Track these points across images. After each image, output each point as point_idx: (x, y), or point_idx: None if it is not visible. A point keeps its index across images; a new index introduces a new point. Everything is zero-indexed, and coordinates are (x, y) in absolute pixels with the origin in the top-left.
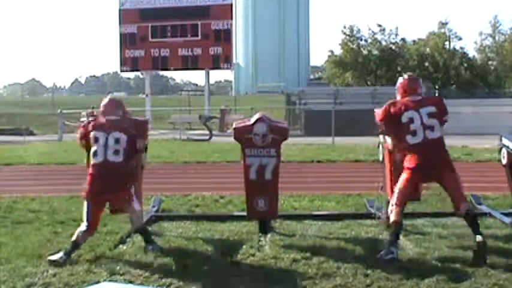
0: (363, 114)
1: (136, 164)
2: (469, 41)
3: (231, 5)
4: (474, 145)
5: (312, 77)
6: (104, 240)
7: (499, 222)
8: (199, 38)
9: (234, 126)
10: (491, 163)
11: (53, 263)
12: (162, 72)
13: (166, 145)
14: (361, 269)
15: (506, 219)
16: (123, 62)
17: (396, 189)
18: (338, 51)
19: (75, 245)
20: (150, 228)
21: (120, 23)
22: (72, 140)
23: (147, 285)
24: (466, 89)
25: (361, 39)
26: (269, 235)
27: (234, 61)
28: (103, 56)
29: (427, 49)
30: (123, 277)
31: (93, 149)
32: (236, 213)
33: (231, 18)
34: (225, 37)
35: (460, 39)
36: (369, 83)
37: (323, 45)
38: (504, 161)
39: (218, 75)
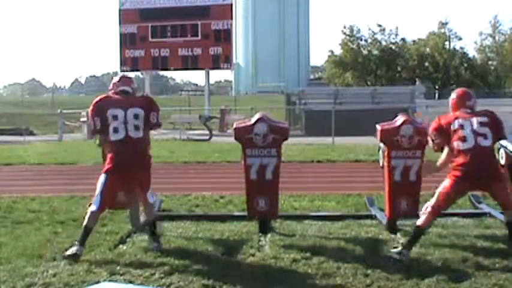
0: (363, 114)
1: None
2: (469, 41)
3: (231, 5)
4: None
5: (312, 77)
6: (104, 240)
7: (499, 222)
8: (199, 38)
9: (234, 126)
10: None
11: (72, 257)
12: (162, 72)
13: (166, 145)
14: (361, 269)
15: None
16: (123, 62)
17: (438, 196)
18: (338, 51)
19: (87, 230)
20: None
21: (120, 23)
22: (72, 140)
23: (147, 285)
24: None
25: (361, 39)
26: (269, 235)
27: (234, 61)
28: (103, 56)
29: (427, 49)
30: (123, 277)
31: (112, 125)
32: (236, 213)
33: (231, 18)
34: (225, 37)
35: (460, 39)
36: (368, 83)
37: (323, 45)
38: (503, 162)
39: (218, 75)
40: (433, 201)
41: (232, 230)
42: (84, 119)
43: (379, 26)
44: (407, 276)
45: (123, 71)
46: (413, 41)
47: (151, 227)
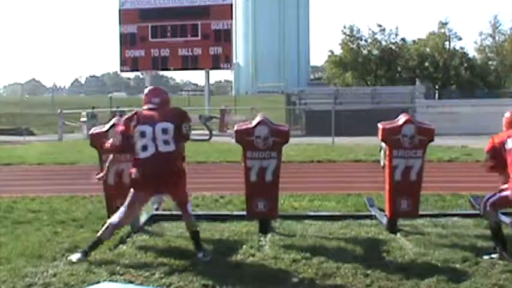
0: (363, 114)
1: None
2: (469, 41)
3: (231, 5)
4: (474, 145)
5: (312, 77)
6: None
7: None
8: (199, 38)
9: (235, 128)
10: None
11: (75, 262)
12: (162, 72)
13: None
14: (361, 269)
15: (506, 219)
16: (123, 62)
17: (492, 202)
18: (338, 51)
19: (100, 242)
20: (150, 229)
21: (120, 23)
22: (72, 140)
23: (147, 285)
24: (466, 89)
25: (361, 39)
26: (269, 235)
27: (234, 61)
28: (103, 56)
29: (427, 49)
30: (123, 277)
31: (140, 143)
32: (236, 213)
33: (231, 18)
34: (225, 37)
35: (460, 39)
36: (368, 83)
37: (323, 45)
38: None
39: (218, 75)
40: (493, 199)
41: (232, 230)
42: (84, 119)
43: (379, 26)
44: (407, 276)
45: (123, 71)
46: (413, 41)
47: (195, 237)
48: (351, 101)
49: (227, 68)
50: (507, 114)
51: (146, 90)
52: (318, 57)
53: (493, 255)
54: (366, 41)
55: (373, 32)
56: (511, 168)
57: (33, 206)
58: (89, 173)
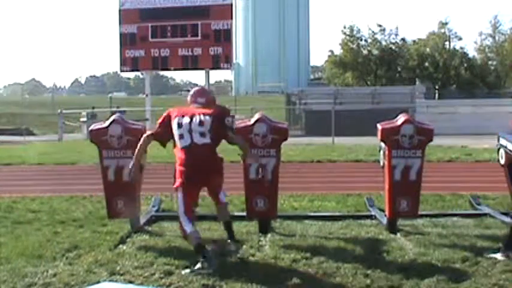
0: (363, 114)
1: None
2: (469, 41)
3: (231, 5)
4: (474, 145)
5: (312, 77)
6: (104, 240)
7: (499, 222)
8: (199, 38)
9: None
10: (491, 163)
11: (198, 270)
12: (162, 72)
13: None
14: (361, 269)
15: (506, 219)
16: (123, 62)
17: None
18: (338, 51)
19: (200, 247)
20: (150, 229)
21: (120, 23)
22: (72, 140)
23: (147, 285)
24: (466, 89)
25: (361, 39)
26: (269, 235)
27: (234, 61)
28: (103, 56)
29: (427, 49)
30: (123, 277)
31: (177, 132)
32: (236, 213)
33: (231, 18)
34: (225, 37)
35: (460, 39)
36: (368, 83)
37: (323, 45)
38: (502, 161)
39: (218, 75)
40: None
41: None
42: (84, 119)
43: (379, 26)
44: (407, 276)
45: (123, 71)
46: (414, 41)
47: (229, 229)
48: (351, 101)
49: (227, 68)
50: None
51: (191, 91)
52: (318, 57)
53: (497, 255)
54: (366, 41)
55: (373, 32)
56: None
57: (33, 206)
58: (89, 173)
